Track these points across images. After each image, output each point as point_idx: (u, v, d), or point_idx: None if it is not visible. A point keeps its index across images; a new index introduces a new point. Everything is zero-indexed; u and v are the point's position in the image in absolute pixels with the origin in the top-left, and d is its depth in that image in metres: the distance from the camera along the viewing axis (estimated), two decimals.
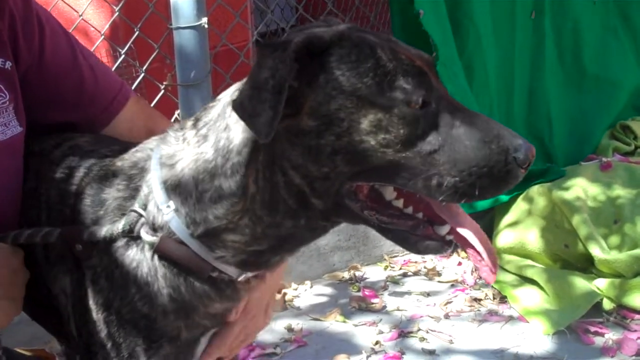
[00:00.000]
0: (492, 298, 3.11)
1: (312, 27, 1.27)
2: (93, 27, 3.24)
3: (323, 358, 2.73)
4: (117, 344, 1.34)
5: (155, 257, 1.31)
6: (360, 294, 3.18)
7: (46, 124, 1.58)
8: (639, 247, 3.04)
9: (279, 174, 1.20)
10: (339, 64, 1.16)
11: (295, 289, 3.24)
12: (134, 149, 1.41)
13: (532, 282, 3.09)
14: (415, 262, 3.44)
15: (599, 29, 4.05)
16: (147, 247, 1.31)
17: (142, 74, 3.15)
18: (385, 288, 3.25)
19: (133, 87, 3.02)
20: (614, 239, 3.12)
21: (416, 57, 1.20)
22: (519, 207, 3.32)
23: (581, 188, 3.25)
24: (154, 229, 1.30)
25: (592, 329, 2.81)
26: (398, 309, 3.05)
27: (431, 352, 2.73)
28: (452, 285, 3.25)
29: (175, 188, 1.29)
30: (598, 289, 2.96)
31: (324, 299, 3.17)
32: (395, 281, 3.31)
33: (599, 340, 2.76)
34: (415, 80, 1.15)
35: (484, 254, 1.20)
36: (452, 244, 1.22)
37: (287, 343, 2.82)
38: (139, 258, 1.32)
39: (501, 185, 1.15)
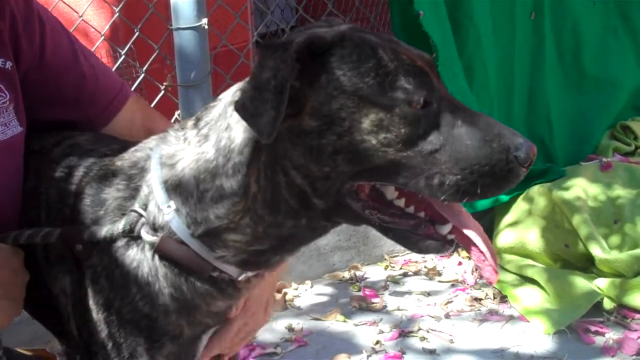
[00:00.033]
0: (492, 298, 3.11)
1: (313, 27, 1.27)
2: (93, 27, 3.24)
3: (323, 358, 2.73)
4: (118, 344, 1.34)
5: (156, 257, 1.31)
6: (360, 293, 3.18)
7: (46, 122, 1.58)
8: (639, 246, 3.04)
9: (280, 174, 1.21)
10: (341, 64, 1.16)
11: (296, 289, 3.24)
12: (133, 149, 1.41)
13: (532, 281, 3.10)
14: (416, 261, 3.44)
15: (599, 29, 4.05)
16: (147, 247, 1.31)
17: (142, 75, 3.16)
18: (385, 288, 3.25)
19: (133, 88, 3.02)
20: (615, 239, 3.12)
21: (417, 57, 1.20)
22: (519, 207, 3.32)
23: (581, 188, 3.26)
24: (155, 229, 1.30)
25: (593, 328, 2.81)
26: (398, 309, 3.05)
27: (432, 352, 2.73)
28: (453, 285, 3.25)
29: (176, 188, 1.29)
30: (598, 288, 2.96)
31: (324, 299, 3.17)
32: (395, 281, 3.31)
33: (599, 340, 2.76)
34: (416, 80, 1.15)
35: (488, 254, 1.20)
36: (453, 244, 1.22)
37: (288, 343, 2.82)
38: (140, 258, 1.32)
39: (503, 184, 1.16)
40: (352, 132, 1.14)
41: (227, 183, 1.24)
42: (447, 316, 2.99)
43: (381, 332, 2.88)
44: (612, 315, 2.90)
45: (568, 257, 3.17)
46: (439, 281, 3.30)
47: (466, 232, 1.21)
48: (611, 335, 2.77)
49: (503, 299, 3.10)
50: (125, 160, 1.39)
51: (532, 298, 3.02)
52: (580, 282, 2.96)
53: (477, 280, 3.25)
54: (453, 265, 3.42)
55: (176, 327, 1.35)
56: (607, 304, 2.93)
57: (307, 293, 3.22)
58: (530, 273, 3.10)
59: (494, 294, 3.12)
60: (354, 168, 1.17)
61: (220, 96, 1.31)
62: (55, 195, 1.42)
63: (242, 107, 1.14)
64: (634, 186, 3.31)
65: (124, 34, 3.43)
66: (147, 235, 1.30)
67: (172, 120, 2.93)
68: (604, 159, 3.58)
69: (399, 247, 3.42)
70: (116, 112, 1.65)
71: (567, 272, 3.09)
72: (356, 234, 3.40)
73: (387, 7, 4.01)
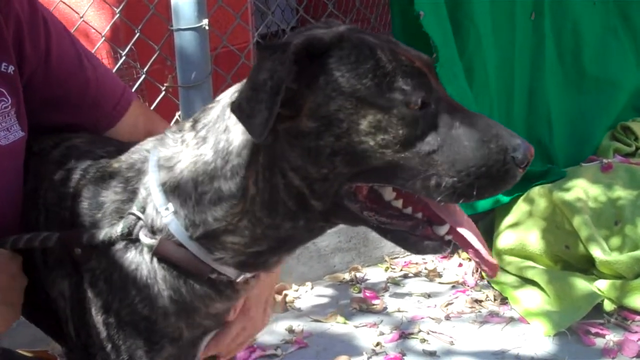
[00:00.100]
0: (493, 299, 3.11)
1: (312, 28, 1.27)
2: (94, 28, 3.24)
3: (324, 359, 2.73)
4: (117, 346, 1.33)
5: (155, 259, 1.31)
6: (361, 295, 3.18)
7: (50, 125, 1.58)
8: None
9: (278, 176, 1.20)
10: (339, 65, 1.16)
11: (296, 291, 3.24)
12: (129, 151, 1.41)
13: (532, 283, 3.09)
14: (416, 263, 3.44)
15: (599, 30, 4.05)
16: (146, 249, 1.31)
17: (143, 76, 3.16)
18: (386, 289, 3.24)
19: (134, 89, 3.02)
20: (615, 240, 3.11)
21: (416, 58, 1.20)
22: (520, 208, 3.32)
23: (582, 189, 3.25)
24: (153, 231, 1.30)
25: (593, 330, 2.81)
26: (399, 310, 3.05)
27: (432, 354, 2.73)
28: (453, 287, 3.25)
29: (174, 190, 1.29)
30: (599, 290, 2.96)
31: (324, 301, 3.17)
32: (396, 282, 3.31)
33: (599, 342, 2.76)
34: (414, 81, 1.15)
35: (482, 250, 1.20)
36: (451, 244, 1.22)
37: (288, 344, 2.81)
38: (138, 261, 1.32)
39: (499, 185, 1.15)
40: (350, 133, 1.14)
41: (226, 185, 1.24)
42: (448, 318, 2.98)
43: (381, 333, 2.87)
44: (612, 317, 2.89)
45: (568, 259, 3.17)
46: (440, 283, 3.29)
47: (459, 230, 1.21)
48: (611, 337, 2.77)
49: (503, 300, 3.09)
50: (122, 162, 1.39)
51: (532, 300, 3.01)
52: (581, 284, 2.96)
53: (478, 282, 3.25)
54: (453, 267, 3.42)
55: (175, 330, 1.35)
56: (608, 306, 2.92)
57: (307, 294, 3.22)
58: (530, 275, 3.10)
59: (494, 296, 3.12)
60: (352, 169, 1.16)
61: (218, 98, 1.31)
62: (54, 198, 1.42)
63: (238, 108, 1.14)
64: (635, 187, 3.30)
65: (125, 35, 3.43)
66: (145, 238, 1.30)
67: (173, 121, 2.93)
68: (605, 160, 3.57)
69: (399, 249, 3.40)
70: (120, 117, 1.64)
71: (568, 273, 3.08)
72: (357, 235, 3.39)
73: (388, 7, 4.02)
